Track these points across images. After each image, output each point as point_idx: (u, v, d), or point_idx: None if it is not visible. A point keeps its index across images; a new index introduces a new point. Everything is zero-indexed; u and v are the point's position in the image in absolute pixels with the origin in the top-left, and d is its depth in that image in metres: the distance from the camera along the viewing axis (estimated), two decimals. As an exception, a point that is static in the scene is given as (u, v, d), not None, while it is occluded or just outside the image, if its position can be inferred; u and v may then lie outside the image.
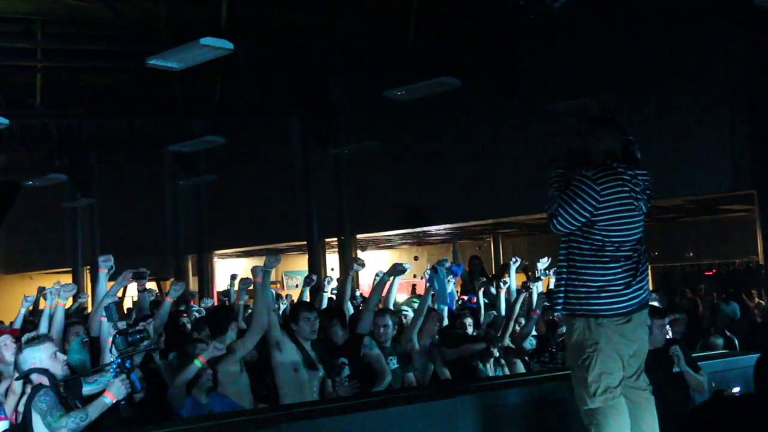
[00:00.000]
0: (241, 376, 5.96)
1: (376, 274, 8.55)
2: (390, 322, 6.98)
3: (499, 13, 10.66)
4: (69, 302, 6.67)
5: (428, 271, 8.32)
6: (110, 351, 4.52)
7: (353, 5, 12.47)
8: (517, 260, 9.26)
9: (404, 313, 8.10)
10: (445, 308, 8.02)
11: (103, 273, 5.98)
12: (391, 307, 7.88)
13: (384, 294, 7.72)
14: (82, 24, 12.96)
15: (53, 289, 5.87)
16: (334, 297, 9.55)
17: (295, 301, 9.50)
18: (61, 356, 4.53)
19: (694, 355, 6.55)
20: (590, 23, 12.56)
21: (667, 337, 6.58)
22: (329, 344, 6.71)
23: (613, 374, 4.35)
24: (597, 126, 4.67)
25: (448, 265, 8.38)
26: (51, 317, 5.79)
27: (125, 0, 11.74)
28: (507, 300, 8.70)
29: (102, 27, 12.96)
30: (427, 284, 7.98)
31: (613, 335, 4.35)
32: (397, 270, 7.41)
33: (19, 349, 4.47)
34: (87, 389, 4.57)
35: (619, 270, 4.39)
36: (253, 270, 6.14)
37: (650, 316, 5.47)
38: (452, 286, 8.56)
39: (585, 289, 4.39)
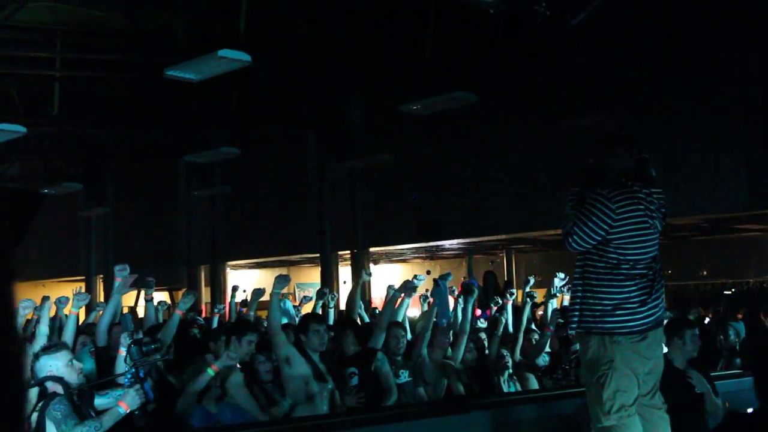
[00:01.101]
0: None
1: (388, 288, 8.56)
2: (402, 334, 7.01)
3: (516, 29, 10.67)
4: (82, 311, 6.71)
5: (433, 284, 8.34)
6: (125, 360, 4.53)
7: (371, 19, 12.52)
8: (530, 281, 9.27)
9: None
10: (445, 322, 8.02)
11: (118, 282, 6.00)
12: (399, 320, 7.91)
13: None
14: (101, 34, 13.06)
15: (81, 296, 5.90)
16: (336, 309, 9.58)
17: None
18: (77, 364, 4.54)
19: (713, 374, 6.51)
20: (607, 41, 12.56)
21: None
22: (340, 355, 6.71)
23: (628, 392, 4.34)
24: (612, 144, 4.67)
25: (451, 279, 8.39)
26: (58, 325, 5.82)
27: (144, 11, 11.83)
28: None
29: (121, 37, 13.06)
30: (430, 298, 7.99)
31: (628, 353, 4.35)
32: (407, 288, 7.41)
33: (35, 357, 4.49)
34: (98, 401, 4.58)
35: (635, 288, 4.39)
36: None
37: (682, 327, 5.47)
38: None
39: (600, 307, 4.39)
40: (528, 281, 9.21)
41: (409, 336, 7.44)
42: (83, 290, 8.25)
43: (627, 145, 4.68)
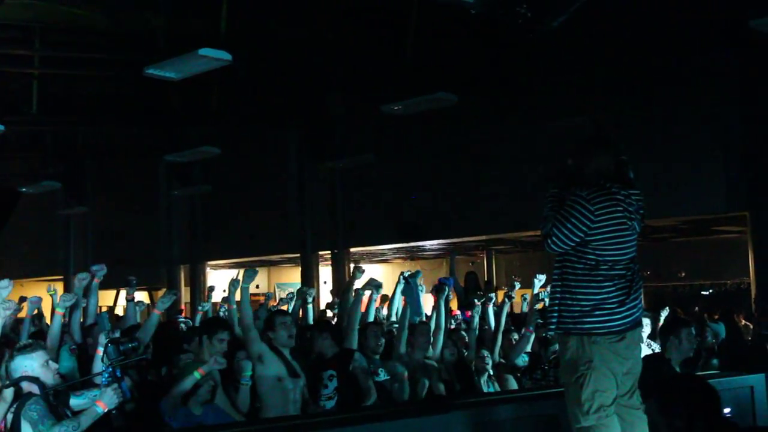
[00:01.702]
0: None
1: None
2: (379, 333, 7.03)
3: (497, 30, 10.68)
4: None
5: (401, 283, 8.36)
6: (102, 360, 4.51)
7: (352, 19, 12.51)
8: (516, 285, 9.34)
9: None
10: (417, 319, 8.05)
11: (96, 282, 5.97)
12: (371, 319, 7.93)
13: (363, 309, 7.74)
14: (80, 32, 12.97)
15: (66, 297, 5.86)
16: (328, 311, 9.57)
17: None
18: (53, 365, 4.52)
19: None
20: (587, 43, 12.61)
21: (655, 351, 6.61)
22: (318, 357, 6.69)
23: (606, 392, 4.37)
24: (591, 145, 4.70)
25: (420, 276, 8.45)
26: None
27: (124, 9, 11.76)
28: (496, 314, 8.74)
29: (100, 36, 12.97)
30: (402, 294, 8.02)
31: (606, 353, 4.37)
32: (372, 284, 7.40)
33: (10, 357, 4.45)
34: (74, 402, 4.55)
35: (613, 289, 4.42)
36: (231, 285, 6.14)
37: (679, 327, 5.53)
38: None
39: (579, 308, 4.42)
40: (513, 285, 9.24)
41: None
42: (53, 287, 8.16)
43: (606, 146, 4.71)
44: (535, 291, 8.81)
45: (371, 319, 7.92)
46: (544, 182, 4.84)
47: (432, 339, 7.48)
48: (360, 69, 14.41)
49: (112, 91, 15.77)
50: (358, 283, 7.76)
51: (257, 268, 6.27)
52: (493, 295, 8.89)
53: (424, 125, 14.23)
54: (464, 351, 7.92)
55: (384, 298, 10.56)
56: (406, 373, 7.09)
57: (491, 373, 7.70)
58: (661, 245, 17.77)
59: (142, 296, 19.49)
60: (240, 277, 6.28)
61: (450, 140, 15.30)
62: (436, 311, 7.74)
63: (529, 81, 13.49)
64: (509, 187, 14.23)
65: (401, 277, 8.07)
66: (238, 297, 6.65)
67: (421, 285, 8.51)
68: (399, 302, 8.55)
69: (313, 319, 9.23)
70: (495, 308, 9.04)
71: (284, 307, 9.50)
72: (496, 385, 7.76)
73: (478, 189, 15.05)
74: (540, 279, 8.77)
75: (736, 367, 6.69)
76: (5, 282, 5.10)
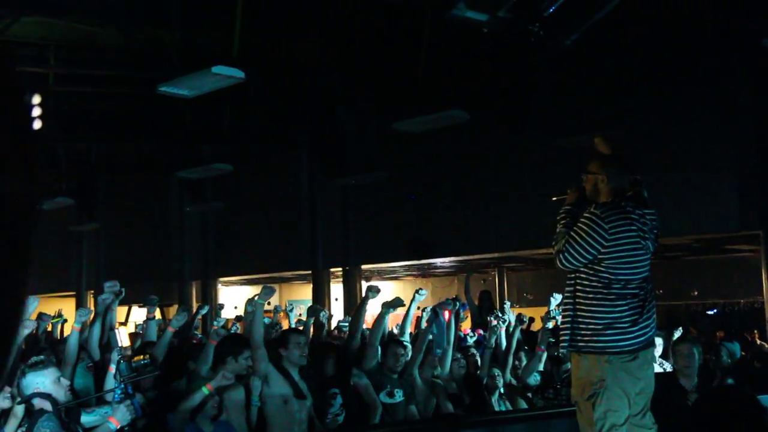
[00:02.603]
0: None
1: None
2: (402, 352, 6.99)
3: (510, 48, 10.71)
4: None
5: (428, 311, 8.26)
6: (114, 377, 4.51)
7: (365, 37, 12.55)
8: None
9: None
10: (440, 352, 7.96)
11: (99, 299, 5.96)
12: (407, 337, 7.91)
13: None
14: (94, 50, 13.06)
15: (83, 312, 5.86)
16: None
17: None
18: (65, 381, 4.51)
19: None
20: (600, 61, 12.63)
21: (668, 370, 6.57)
22: (320, 376, 6.67)
23: (618, 412, 4.34)
24: (606, 164, 4.68)
25: (450, 306, 8.26)
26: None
27: (138, 27, 11.83)
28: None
29: (114, 53, 13.05)
30: (426, 322, 7.93)
31: (619, 373, 4.35)
32: (397, 303, 7.38)
33: (22, 373, 4.46)
34: (84, 419, 4.55)
35: (626, 308, 4.40)
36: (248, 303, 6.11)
37: (688, 343, 5.50)
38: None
39: (592, 326, 4.40)
40: (523, 319, 9.02)
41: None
42: (59, 312, 8.19)
43: (621, 165, 4.70)
44: (551, 308, 8.76)
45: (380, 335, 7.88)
46: (558, 201, 4.83)
47: (441, 355, 7.45)
48: (372, 86, 14.46)
49: (126, 108, 15.86)
50: (375, 302, 7.70)
51: (274, 287, 6.24)
52: (505, 317, 8.77)
53: (436, 143, 14.24)
54: (477, 371, 7.88)
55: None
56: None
57: (502, 391, 7.66)
58: (673, 264, 17.69)
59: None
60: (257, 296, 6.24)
61: (462, 157, 15.30)
62: (447, 329, 7.72)
63: (541, 98, 13.49)
64: (521, 205, 14.20)
65: (416, 294, 7.97)
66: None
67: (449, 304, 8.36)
68: (410, 321, 8.51)
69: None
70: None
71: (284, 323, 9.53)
72: (508, 404, 7.72)
73: (490, 206, 15.03)
74: (556, 298, 8.72)
75: (750, 386, 6.63)
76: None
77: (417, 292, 7.91)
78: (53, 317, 7.87)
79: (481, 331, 9.58)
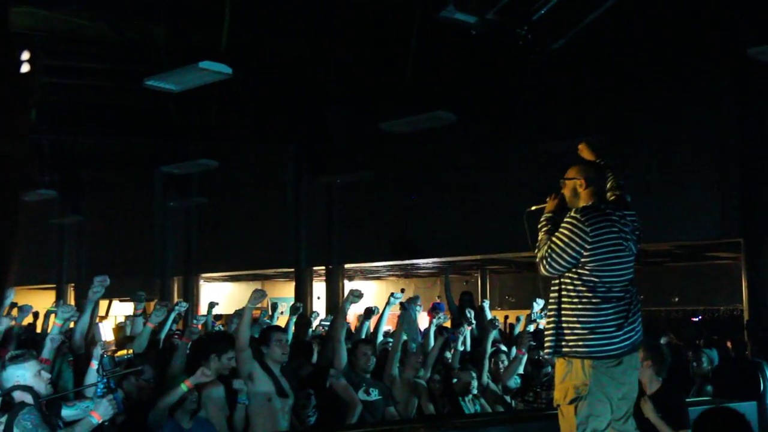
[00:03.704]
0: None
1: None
2: (369, 351, 6.99)
3: (498, 51, 10.74)
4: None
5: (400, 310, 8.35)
6: (97, 371, 4.50)
7: (353, 35, 12.55)
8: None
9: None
10: (415, 346, 8.02)
11: (90, 292, 5.94)
12: (363, 337, 7.92)
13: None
14: (81, 42, 12.99)
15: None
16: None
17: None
18: (45, 374, 4.50)
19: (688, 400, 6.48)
20: (586, 66, 12.69)
21: None
22: (296, 376, 6.66)
23: (600, 417, 4.36)
24: (584, 168, 4.71)
25: (419, 302, 8.39)
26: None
27: (126, 20, 11.79)
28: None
29: (101, 46, 12.99)
30: (400, 320, 7.97)
31: (602, 378, 4.36)
32: (354, 295, 7.29)
33: (2, 367, 4.44)
34: (65, 413, 4.53)
35: (611, 311, 4.41)
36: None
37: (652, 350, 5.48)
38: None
39: (577, 331, 4.40)
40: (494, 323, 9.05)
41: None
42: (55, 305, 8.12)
43: (599, 169, 4.74)
44: (534, 312, 8.79)
45: (363, 337, 7.92)
46: (536, 209, 4.85)
47: (424, 361, 7.45)
48: (360, 86, 14.47)
49: (112, 101, 15.79)
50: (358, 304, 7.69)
51: (266, 292, 6.21)
52: (472, 320, 8.81)
53: (423, 143, 14.27)
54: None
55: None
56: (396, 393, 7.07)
57: (475, 392, 7.63)
58: (655, 270, 17.79)
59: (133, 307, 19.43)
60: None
61: (447, 159, 15.34)
62: (429, 333, 7.75)
63: (527, 102, 13.54)
64: (505, 207, 14.24)
65: (391, 297, 8.02)
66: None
67: (419, 306, 8.47)
68: (383, 323, 8.51)
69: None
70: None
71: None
72: (486, 405, 7.71)
73: (474, 208, 15.08)
74: (539, 303, 8.76)
75: (728, 394, 6.70)
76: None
77: (392, 295, 7.94)
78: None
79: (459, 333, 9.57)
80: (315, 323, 10.00)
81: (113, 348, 4.60)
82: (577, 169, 4.70)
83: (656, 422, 5.46)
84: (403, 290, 21.34)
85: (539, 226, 4.67)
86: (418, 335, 8.21)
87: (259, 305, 6.30)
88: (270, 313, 10.49)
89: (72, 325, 6.26)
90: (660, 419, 5.46)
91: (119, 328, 10.11)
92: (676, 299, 19.08)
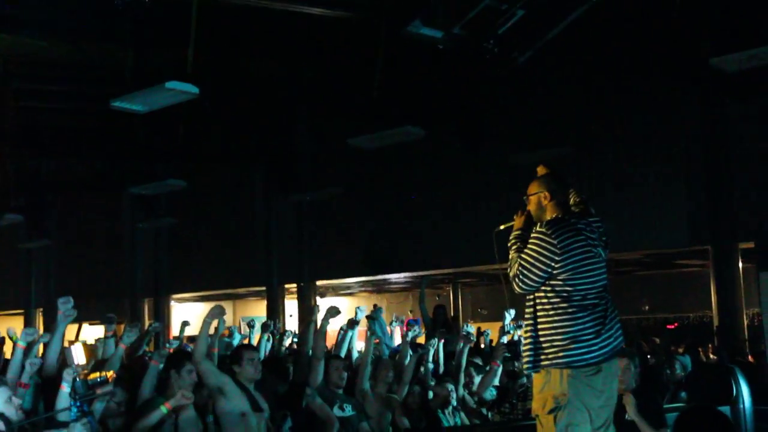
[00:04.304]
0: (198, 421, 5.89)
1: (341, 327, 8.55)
2: (341, 366, 6.99)
3: (465, 65, 10.81)
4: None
5: (367, 322, 8.40)
6: (70, 394, 4.44)
7: (319, 53, 12.58)
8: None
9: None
10: (388, 351, 8.06)
11: (60, 315, 5.87)
12: (342, 354, 7.89)
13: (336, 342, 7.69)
14: (46, 64, 12.91)
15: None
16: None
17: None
18: (16, 400, 4.44)
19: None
20: (552, 79, 12.81)
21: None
22: (272, 395, 6.62)
23: (580, 426, 4.36)
24: (545, 181, 4.74)
25: (382, 312, 8.47)
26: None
27: (91, 42, 11.72)
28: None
29: (67, 68, 12.91)
30: (368, 333, 7.97)
31: (581, 387, 4.36)
32: (332, 312, 7.29)
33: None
34: None
35: (588, 319, 4.42)
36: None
37: (626, 358, 5.51)
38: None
39: (557, 343, 4.39)
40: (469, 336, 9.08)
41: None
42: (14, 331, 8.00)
43: (559, 180, 4.77)
44: (506, 323, 8.81)
45: (342, 354, 7.89)
46: (504, 229, 4.88)
47: (400, 378, 7.43)
48: (327, 103, 14.49)
49: (77, 123, 15.68)
50: (319, 317, 7.68)
51: (224, 309, 6.18)
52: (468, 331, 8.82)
53: (392, 159, 14.30)
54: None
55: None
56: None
57: (455, 404, 7.64)
58: (624, 278, 17.93)
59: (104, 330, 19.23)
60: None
61: (417, 174, 15.38)
62: (404, 349, 7.74)
63: (495, 115, 13.63)
64: (476, 221, 14.29)
65: (357, 310, 8.04)
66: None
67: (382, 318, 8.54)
68: (354, 338, 8.50)
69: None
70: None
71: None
72: (462, 416, 7.72)
73: (445, 222, 15.12)
74: (510, 313, 8.78)
75: (702, 399, 6.73)
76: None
77: (357, 308, 7.98)
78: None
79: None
80: (287, 342, 9.94)
81: (85, 371, 4.54)
82: (537, 183, 4.73)
83: (638, 421, 5.52)
84: (376, 306, 21.40)
85: (509, 244, 4.70)
86: (391, 340, 8.25)
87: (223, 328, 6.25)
88: (244, 331, 10.43)
89: (42, 348, 6.18)
90: (642, 418, 5.52)
91: (91, 350, 10.00)
92: (646, 307, 19.23)
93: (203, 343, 5.87)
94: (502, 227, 4.90)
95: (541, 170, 4.85)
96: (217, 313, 6.03)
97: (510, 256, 4.63)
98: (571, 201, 4.82)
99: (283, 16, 11.15)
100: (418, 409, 7.33)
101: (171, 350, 8.16)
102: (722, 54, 8.58)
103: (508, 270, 4.60)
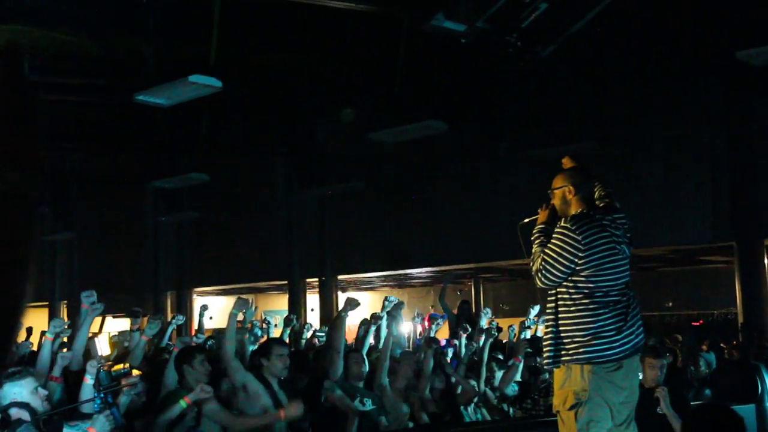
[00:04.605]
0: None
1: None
2: (360, 360, 6.97)
3: (487, 59, 10.76)
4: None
5: (385, 317, 8.38)
6: (94, 386, 4.47)
7: (342, 46, 12.56)
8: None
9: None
10: (399, 351, 8.03)
11: (84, 309, 5.90)
12: (365, 350, 7.88)
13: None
14: (70, 58, 12.96)
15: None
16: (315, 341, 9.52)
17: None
18: (42, 391, 4.46)
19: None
20: (576, 73, 12.72)
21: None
22: (292, 389, 6.63)
23: (601, 423, 4.34)
24: (570, 175, 4.70)
25: (404, 308, 8.46)
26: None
27: (115, 36, 11.77)
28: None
29: (91, 62, 12.97)
30: (387, 328, 7.96)
31: (602, 383, 4.34)
32: (351, 305, 7.28)
33: (-1, 384, 4.40)
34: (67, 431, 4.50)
35: (610, 316, 4.40)
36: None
37: (645, 356, 5.48)
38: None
39: (578, 339, 4.38)
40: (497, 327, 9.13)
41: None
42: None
43: (585, 174, 4.73)
44: (530, 319, 8.77)
45: (365, 349, 7.87)
46: (528, 223, 4.85)
47: (421, 373, 7.41)
48: (349, 97, 14.46)
49: (102, 117, 15.74)
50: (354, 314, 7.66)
51: (249, 298, 6.20)
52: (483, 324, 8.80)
53: (413, 153, 14.27)
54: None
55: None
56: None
57: (477, 400, 7.63)
58: (648, 275, 17.82)
59: (127, 323, 19.35)
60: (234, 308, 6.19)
61: (438, 168, 15.34)
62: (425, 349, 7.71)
63: (518, 110, 13.57)
64: (497, 215, 14.25)
65: (386, 302, 8.02)
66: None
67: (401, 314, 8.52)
68: (384, 328, 8.50)
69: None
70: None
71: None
72: (484, 412, 7.70)
73: (467, 217, 15.08)
74: (535, 309, 8.74)
75: (727, 397, 6.69)
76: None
77: (386, 299, 7.93)
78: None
79: (456, 342, 9.56)
80: (308, 334, 9.95)
81: (110, 363, 4.56)
82: (563, 176, 4.69)
83: (669, 414, 5.49)
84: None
85: (532, 238, 4.67)
86: (404, 341, 8.24)
87: (252, 318, 6.27)
88: (264, 325, 10.47)
89: (65, 340, 6.22)
90: (674, 412, 5.49)
91: (114, 344, 10.07)
92: (670, 304, 19.10)
93: (232, 340, 5.86)
94: (526, 220, 4.88)
95: (566, 162, 4.81)
96: (243, 305, 6.03)
97: (533, 250, 4.60)
98: (596, 195, 4.78)
99: (306, 10, 11.14)
100: (441, 404, 7.32)
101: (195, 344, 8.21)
102: (747, 48, 8.50)
103: (531, 264, 4.58)
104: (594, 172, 4.85)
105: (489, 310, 9.06)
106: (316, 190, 16.18)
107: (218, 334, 8.95)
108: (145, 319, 7.17)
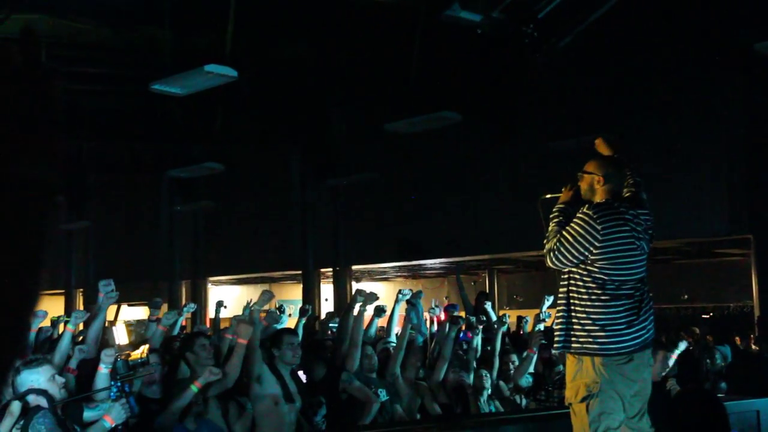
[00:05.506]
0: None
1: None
2: (371, 352, 6.99)
3: (503, 49, 10.73)
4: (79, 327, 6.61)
5: (406, 306, 8.38)
6: (111, 375, 4.50)
7: (357, 37, 12.55)
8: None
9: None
10: (422, 339, 8.07)
11: (101, 297, 5.94)
12: (393, 338, 7.90)
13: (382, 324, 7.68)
14: (86, 47, 13.01)
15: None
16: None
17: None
18: (60, 379, 4.49)
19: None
20: (592, 64, 12.67)
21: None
22: (309, 381, 6.65)
23: (612, 415, 4.33)
24: (604, 165, 4.66)
25: (422, 297, 8.48)
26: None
27: (130, 25, 11.80)
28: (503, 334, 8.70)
29: (106, 51, 13.01)
30: (407, 318, 7.96)
31: (613, 375, 4.33)
32: (371, 299, 7.29)
33: (17, 371, 4.43)
34: (87, 414, 4.54)
35: (621, 309, 4.38)
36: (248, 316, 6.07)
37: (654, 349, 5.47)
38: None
39: (587, 328, 4.38)
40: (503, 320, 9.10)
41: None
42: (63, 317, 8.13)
43: (619, 167, 4.69)
44: (544, 310, 8.75)
45: (372, 336, 7.91)
46: (550, 199, 4.82)
47: (435, 365, 7.42)
48: (364, 87, 14.46)
49: (117, 106, 15.80)
50: (359, 306, 7.68)
51: (273, 293, 6.22)
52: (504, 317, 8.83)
53: (428, 144, 14.25)
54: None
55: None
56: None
57: (490, 392, 7.63)
58: (663, 267, 17.74)
59: (142, 311, 19.46)
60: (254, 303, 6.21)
61: (453, 159, 15.31)
62: (447, 342, 7.69)
63: (533, 100, 13.52)
64: (512, 207, 14.22)
65: (399, 294, 8.03)
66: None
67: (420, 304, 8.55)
68: (396, 321, 8.52)
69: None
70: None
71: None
72: (497, 403, 7.71)
73: (481, 208, 15.05)
74: (549, 299, 8.73)
75: (742, 390, 6.68)
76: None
77: (399, 292, 7.95)
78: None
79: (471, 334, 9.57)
80: (318, 325, 9.98)
81: (127, 352, 4.59)
82: (596, 164, 4.62)
83: None
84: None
85: (551, 216, 4.63)
86: (425, 328, 8.26)
87: (266, 307, 6.29)
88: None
89: (80, 327, 6.26)
90: None
91: (132, 332, 10.13)
92: (686, 296, 19.02)
93: (255, 329, 5.86)
94: (548, 196, 4.83)
95: (599, 145, 4.76)
96: (268, 298, 6.05)
97: (549, 228, 4.56)
98: (625, 183, 4.74)
99: (322, 0, 11.15)
100: (454, 394, 7.34)
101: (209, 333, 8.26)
102: (766, 40, 8.45)
103: (545, 241, 4.54)
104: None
105: (489, 303, 9.07)
106: (331, 181, 16.18)
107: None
108: (163, 309, 7.22)
